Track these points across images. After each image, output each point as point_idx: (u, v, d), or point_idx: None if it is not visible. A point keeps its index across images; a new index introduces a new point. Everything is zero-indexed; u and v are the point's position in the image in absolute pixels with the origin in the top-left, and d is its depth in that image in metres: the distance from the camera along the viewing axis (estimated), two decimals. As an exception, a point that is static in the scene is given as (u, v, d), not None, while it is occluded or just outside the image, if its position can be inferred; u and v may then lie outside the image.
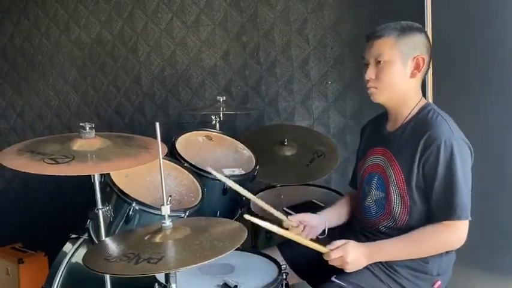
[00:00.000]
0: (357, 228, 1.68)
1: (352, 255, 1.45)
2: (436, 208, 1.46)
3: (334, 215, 1.73)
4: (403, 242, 1.48)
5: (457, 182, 1.43)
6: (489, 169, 1.93)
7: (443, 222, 1.45)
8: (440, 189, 1.45)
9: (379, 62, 1.52)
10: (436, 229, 1.46)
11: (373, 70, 1.53)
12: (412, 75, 1.53)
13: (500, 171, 1.97)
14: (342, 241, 1.48)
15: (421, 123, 1.52)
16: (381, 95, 1.55)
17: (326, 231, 1.65)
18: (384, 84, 1.53)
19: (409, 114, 1.55)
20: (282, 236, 1.50)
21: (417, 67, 1.52)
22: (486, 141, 1.93)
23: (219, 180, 1.66)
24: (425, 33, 1.57)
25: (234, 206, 2.07)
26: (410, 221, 1.51)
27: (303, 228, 1.62)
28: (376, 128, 1.70)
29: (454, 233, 1.46)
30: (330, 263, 1.47)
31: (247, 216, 1.39)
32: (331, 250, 1.46)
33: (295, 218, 1.62)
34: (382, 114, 1.68)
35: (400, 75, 1.52)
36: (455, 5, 2.02)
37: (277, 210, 1.64)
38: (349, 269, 1.46)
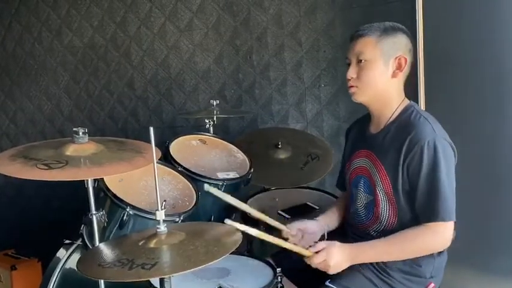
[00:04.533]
0: (348, 233, 1.67)
1: (334, 258, 1.44)
2: (420, 210, 1.46)
3: (332, 219, 1.72)
4: (386, 244, 1.47)
5: (441, 184, 1.42)
6: (482, 170, 1.95)
7: (427, 224, 1.44)
8: (423, 191, 1.44)
9: (360, 61, 1.51)
10: (419, 231, 1.45)
11: (354, 69, 1.52)
12: (394, 75, 1.52)
13: (494, 172, 1.99)
14: (324, 243, 1.48)
15: (403, 124, 1.51)
16: (362, 95, 1.54)
17: (326, 236, 1.64)
18: (364, 83, 1.52)
19: (392, 115, 1.55)
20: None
21: (399, 67, 1.52)
22: (479, 142, 1.95)
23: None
24: (408, 34, 1.56)
25: (229, 210, 2.07)
26: (399, 224, 1.51)
27: (301, 236, 1.60)
28: (360, 129, 1.69)
29: (438, 235, 1.45)
30: (313, 266, 1.46)
31: (228, 221, 1.36)
32: (315, 253, 1.45)
33: (294, 227, 1.60)
34: (366, 116, 1.67)
35: (382, 75, 1.51)
36: (447, 8, 2.03)
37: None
38: (331, 271, 1.46)
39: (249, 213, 1.61)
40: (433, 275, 1.53)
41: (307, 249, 1.48)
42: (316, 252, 1.46)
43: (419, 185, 1.44)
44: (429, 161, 1.43)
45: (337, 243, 1.48)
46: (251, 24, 2.78)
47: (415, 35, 2.05)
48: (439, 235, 1.45)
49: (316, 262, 1.45)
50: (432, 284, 1.54)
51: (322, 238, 1.64)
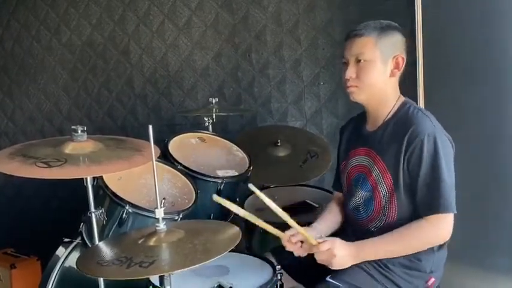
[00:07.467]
0: (348, 231, 1.67)
1: (339, 250, 1.44)
2: (421, 203, 1.47)
3: (328, 224, 1.69)
4: (388, 240, 1.48)
5: (441, 176, 1.43)
6: (482, 168, 1.95)
7: (428, 217, 1.45)
8: (424, 184, 1.45)
9: (360, 61, 1.51)
10: (420, 225, 1.46)
11: (353, 69, 1.52)
12: (392, 74, 1.53)
13: (493, 170, 1.99)
14: (328, 238, 1.49)
15: (402, 120, 1.52)
16: (361, 94, 1.55)
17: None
18: (364, 83, 1.52)
19: (390, 112, 1.56)
20: (276, 238, 1.50)
21: (397, 66, 1.53)
22: (478, 140, 1.95)
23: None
24: (403, 32, 1.57)
25: (228, 208, 2.07)
26: (400, 219, 1.51)
27: (300, 246, 1.56)
28: (355, 128, 1.69)
29: (440, 228, 1.46)
30: (317, 257, 1.46)
31: (215, 197, 1.38)
32: (320, 243, 1.45)
33: (295, 239, 1.55)
34: (361, 115, 1.68)
35: (381, 75, 1.52)
36: (446, 7, 2.03)
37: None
38: (335, 265, 1.45)
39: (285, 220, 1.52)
40: (433, 269, 1.54)
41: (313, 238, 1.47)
42: (321, 242, 1.45)
43: (419, 177, 1.45)
44: (429, 154, 1.44)
45: (338, 239, 1.48)
46: (250, 22, 2.78)
47: (414, 33, 2.05)
48: (439, 227, 1.46)
49: (321, 249, 1.45)
50: (432, 279, 1.54)
51: None
